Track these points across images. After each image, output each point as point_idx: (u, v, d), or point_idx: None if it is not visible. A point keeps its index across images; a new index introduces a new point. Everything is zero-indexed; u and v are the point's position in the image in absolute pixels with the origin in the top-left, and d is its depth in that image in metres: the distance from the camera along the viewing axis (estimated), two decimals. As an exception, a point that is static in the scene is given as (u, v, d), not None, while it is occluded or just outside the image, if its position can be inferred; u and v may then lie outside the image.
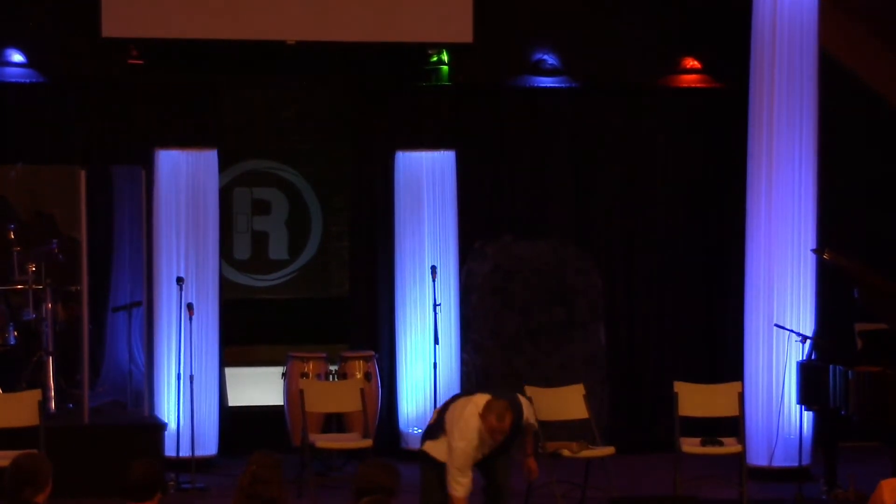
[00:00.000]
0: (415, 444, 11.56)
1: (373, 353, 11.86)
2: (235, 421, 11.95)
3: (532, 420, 8.63)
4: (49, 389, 11.18)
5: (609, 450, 10.09)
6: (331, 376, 11.57)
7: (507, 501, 8.48)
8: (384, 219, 12.21)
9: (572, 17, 12.48)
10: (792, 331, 10.78)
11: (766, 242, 11.14)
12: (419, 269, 11.93)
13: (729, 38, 12.30)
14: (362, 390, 10.75)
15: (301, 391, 10.73)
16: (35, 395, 10.10)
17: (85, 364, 10.98)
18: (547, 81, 12.47)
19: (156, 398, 11.38)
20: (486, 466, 8.40)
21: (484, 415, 8.12)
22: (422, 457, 8.44)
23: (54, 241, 12.04)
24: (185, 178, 11.44)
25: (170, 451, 10.94)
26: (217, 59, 11.99)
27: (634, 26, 12.52)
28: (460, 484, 8.16)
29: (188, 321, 10.99)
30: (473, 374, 11.99)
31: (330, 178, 14.63)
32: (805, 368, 10.48)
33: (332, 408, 11.05)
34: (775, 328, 10.96)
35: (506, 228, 12.41)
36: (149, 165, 11.45)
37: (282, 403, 11.68)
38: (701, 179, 12.70)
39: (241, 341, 13.12)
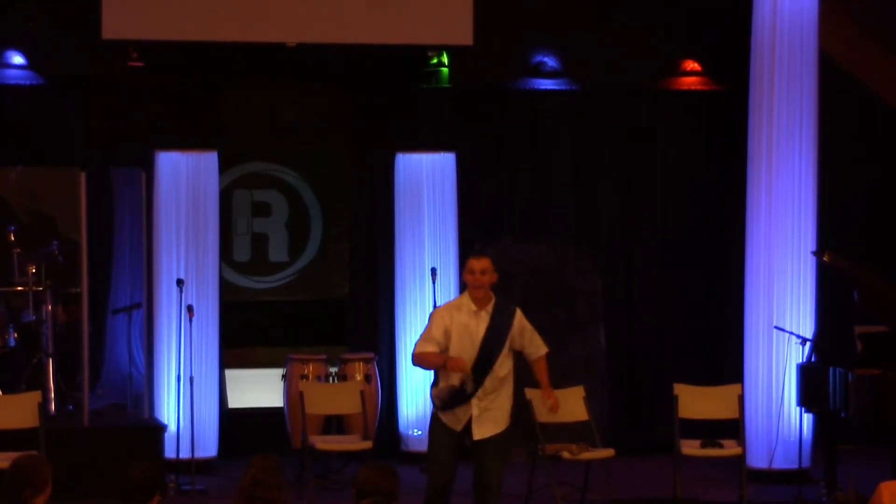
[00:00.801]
0: (415, 447, 11.62)
1: (373, 355, 11.86)
2: (235, 423, 11.95)
3: (527, 324, 8.45)
4: (49, 391, 11.18)
5: (609, 452, 10.09)
6: (331, 378, 11.57)
7: (491, 495, 8.34)
8: (384, 221, 12.21)
9: (572, 20, 12.48)
10: (792, 333, 10.78)
11: (766, 244, 11.14)
12: (419, 271, 11.93)
13: (729, 40, 12.31)
14: (362, 392, 10.75)
15: (301, 393, 10.73)
16: (35, 396, 10.10)
17: (85, 366, 10.98)
18: (547, 84, 12.48)
19: (156, 400, 11.38)
20: (477, 466, 8.35)
21: (465, 266, 8.36)
22: (433, 418, 8.42)
23: (54, 242, 12.04)
24: (185, 179, 11.44)
25: (170, 452, 10.94)
26: (217, 62, 11.99)
27: (634, 29, 12.53)
28: (421, 343, 8.28)
29: (188, 323, 10.99)
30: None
31: (330, 180, 14.63)
32: (805, 371, 10.48)
33: (332, 410, 11.05)
34: (775, 330, 10.96)
35: (506, 230, 12.42)
36: (149, 167, 11.45)
37: (282, 405, 11.67)
38: (701, 181, 12.70)
39: (241, 343, 13.12)
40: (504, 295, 8.67)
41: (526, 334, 8.44)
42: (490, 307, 8.28)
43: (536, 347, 8.53)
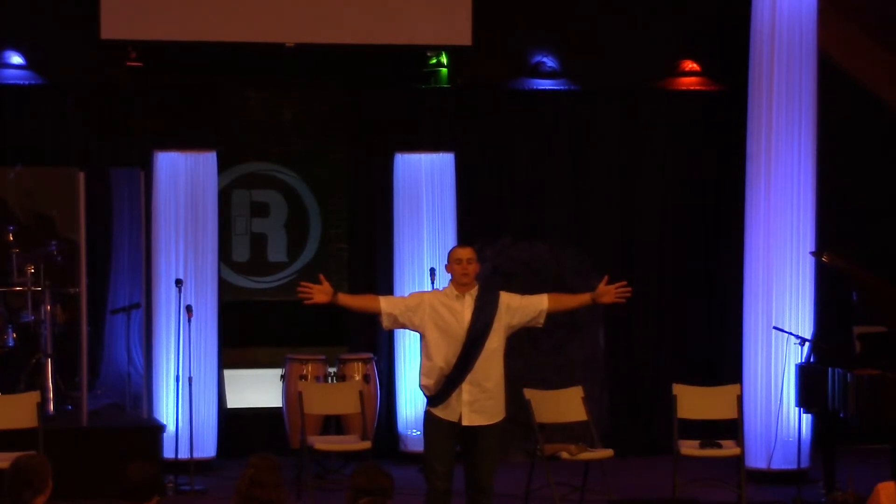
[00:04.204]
0: (414, 447, 11.61)
1: (371, 355, 11.86)
2: (234, 423, 11.96)
3: (514, 297, 8.34)
4: (48, 391, 11.18)
5: (608, 452, 10.08)
6: (329, 378, 11.57)
7: (487, 497, 8.23)
8: (383, 221, 12.21)
9: (571, 20, 12.49)
10: (791, 333, 10.78)
11: (764, 245, 11.15)
12: (418, 271, 11.93)
13: (728, 40, 12.31)
14: (361, 392, 10.74)
15: (300, 393, 10.73)
16: (34, 397, 10.09)
17: (83, 366, 10.97)
18: (546, 84, 12.48)
19: (154, 400, 11.38)
20: (469, 465, 8.32)
21: (448, 255, 8.35)
22: (425, 418, 8.35)
23: (53, 243, 12.03)
24: (183, 179, 11.44)
25: (168, 453, 10.94)
26: (216, 62, 12.00)
27: (633, 29, 12.53)
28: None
29: (187, 323, 10.99)
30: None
31: (329, 181, 14.61)
32: (804, 371, 10.48)
33: (331, 410, 11.05)
34: (774, 331, 10.96)
35: (504, 230, 12.41)
36: (148, 167, 11.45)
37: (280, 405, 11.68)
38: (700, 182, 12.70)
39: (239, 343, 13.10)
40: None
41: (517, 305, 8.31)
42: (474, 291, 8.25)
43: (538, 302, 8.35)
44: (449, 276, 8.31)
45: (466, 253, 8.28)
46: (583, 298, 8.45)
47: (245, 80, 13.02)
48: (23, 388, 11.01)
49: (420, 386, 8.34)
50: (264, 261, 14.73)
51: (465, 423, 8.17)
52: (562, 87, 12.49)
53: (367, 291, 12.29)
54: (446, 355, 8.16)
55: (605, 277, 8.34)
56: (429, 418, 8.29)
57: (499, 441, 8.38)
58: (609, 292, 8.27)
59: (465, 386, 8.17)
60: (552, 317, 8.40)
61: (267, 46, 11.67)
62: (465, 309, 8.21)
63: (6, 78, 11.56)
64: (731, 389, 10.53)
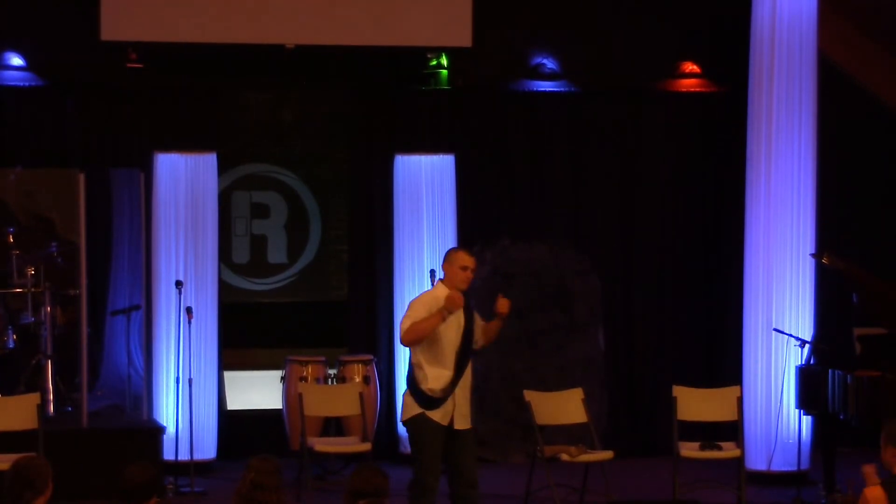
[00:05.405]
0: (413, 448, 11.61)
1: (371, 356, 11.86)
2: (234, 424, 11.96)
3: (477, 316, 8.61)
4: (48, 393, 11.19)
5: (608, 454, 10.08)
6: (329, 380, 11.57)
7: (476, 492, 8.43)
8: (383, 222, 12.21)
9: (571, 22, 12.48)
10: (791, 335, 10.78)
11: (764, 246, 11.15)
12: (418, 273, 11.92)
13: (728, 42, 12.30)
14: (361, 394, 10.74)
15: (300, 395, 10.72)
16: (34, 398, 10.09)
17: (83, 367, 10.98)
18: (546, 85, 12.47)
19: (154, 402, 11.38)
20: (456, 465, 8.41)
21: (451, 257, 8.46)
22: (412, 422, 8.46)
23: (53, 244, 12.04)
24: (184, 181, 11.45)
25: (168, 454, 10.94)
26: (216, 63, 11.98)
27: (633, 31, 12.53)
28: (408, 319, 8.31)
29: (187, 325, 10.99)
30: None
31: (329, 182, 14.63)
32: (804, 373, 10.48)
33: (331, 411, 11.05)
34: (774, 332, 10.96)
35: (504, 232, 12.41)
36: (148, 169, 11.46)
37: (280, 407, 11.67)
38: (700, 183, 12.69)
39: (239, 345, 13.12)
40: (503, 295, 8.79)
41: (479, 325, 8.63)
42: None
43: (482, 327, 8.64)
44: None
45: (473, 262, 8.51)
46: (495, 323, 8.62)
47: (245, 82, 13.02)
48: (23, 390, 11.01)
49: (424, 390, 8.39)
50: (264, 262, 14.75)
51: (455, 426, 8.42)
52: (562, 89, 12.49)
53: (366, 293, 12.34)
54: (451, 360, 8.39)
55: (499, 294, 8.58)
56: (424, 422, 8.41)
57: (475, 442, 8.63)
58: (504, 304, 8.52)
59: (458, 391, 8.44)
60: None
61: (267, 48, 11.66)
62: (461, 315, 8.44)
63: (6, 79, 11.55)
64: (731, 391, 10.53)
